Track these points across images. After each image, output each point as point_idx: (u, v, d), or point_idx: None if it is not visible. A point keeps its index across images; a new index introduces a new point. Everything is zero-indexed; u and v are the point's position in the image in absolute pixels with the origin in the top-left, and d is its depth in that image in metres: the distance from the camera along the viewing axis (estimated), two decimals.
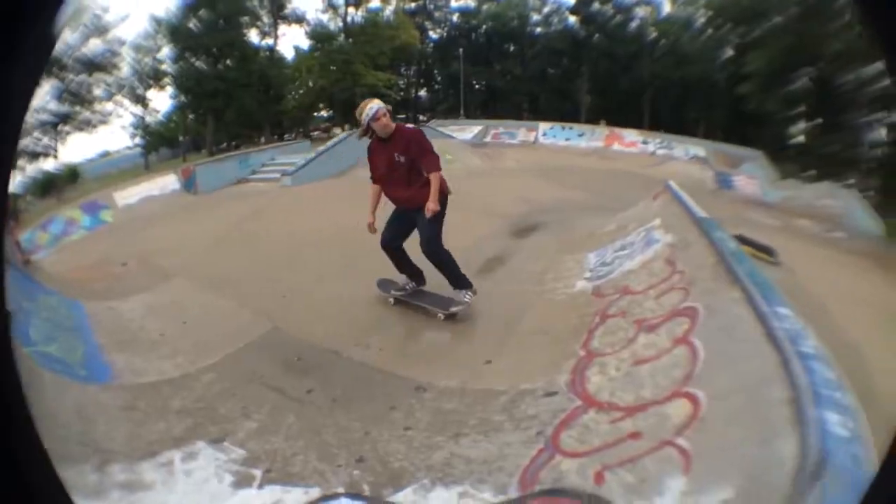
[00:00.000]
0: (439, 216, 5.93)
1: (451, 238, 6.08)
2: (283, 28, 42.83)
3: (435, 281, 6.47)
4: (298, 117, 43.75)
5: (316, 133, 39.73)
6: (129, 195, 19.04)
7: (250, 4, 39.82)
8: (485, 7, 47.22)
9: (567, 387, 4.10)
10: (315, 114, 45.44)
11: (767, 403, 2.69)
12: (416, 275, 6.61)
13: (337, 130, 33.33)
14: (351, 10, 41.70)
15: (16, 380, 1.42)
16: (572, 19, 46.01)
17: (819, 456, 2.11)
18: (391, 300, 6.56)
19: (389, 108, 6.15)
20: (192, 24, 37.12)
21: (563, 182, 13.89)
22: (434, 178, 5.84)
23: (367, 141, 6.28)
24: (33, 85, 1.39)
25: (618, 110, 38.65)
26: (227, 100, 37.35)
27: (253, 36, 41.08)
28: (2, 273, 1.55)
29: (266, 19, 41.31)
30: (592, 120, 34.32)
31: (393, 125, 6.06)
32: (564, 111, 39.00)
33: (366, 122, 5.98)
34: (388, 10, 42.84)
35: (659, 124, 34.64)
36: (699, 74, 41.67)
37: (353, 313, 6.42)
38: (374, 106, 5.96)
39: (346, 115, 39.91)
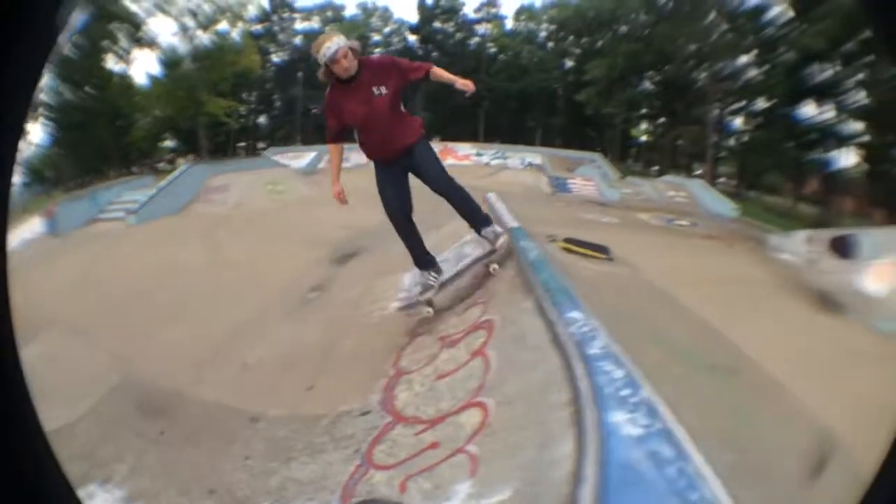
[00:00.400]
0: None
1: (274, 270, 6.17)
2: (137, 52, 40.93)
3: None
4: (146, 148, 41.93)
5: (161, 165, 38.15)
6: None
7: (110, 27, 37.88)
8: (327, 28, 46.41)
9: (379, 405, 4.33)
10: (160, 144, 43.72)
11: (548, 408, 2.81)
12: (431, 259, 5.78)
13: (181, 161, 32.17)
14: (200, 32, 40.56)
15: (21, 380, 1.40)
16: (412, 38, 46.98)
17: (598, 455, 2.09)
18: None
19: (355, 44, 5.11)
20: (69, 50, 34.87)
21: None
22: (438, 70, 5.41)
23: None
24: (36, 77, 1.35)
25: (453, 124, 39.47)
26: (83, 132, 35.64)
27: (109, 61, 39.21)
28: (4, 276, 1.52)
29: (123, 42, 39.46)
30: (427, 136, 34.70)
31: (355, 62, 5.05)
32: None
33: (323, 64, 5.01)
34: (236, 33, 41.99)
35: (495, 135, 35.65)
36: (538, 85, 43.36)
37: (194, 351, 6.61)
38: (331, 46, 4.89)
39: (190, 144, 38.65)
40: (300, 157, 26.32)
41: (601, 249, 9.12)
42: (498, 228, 5.74)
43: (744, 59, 37.82)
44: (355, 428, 4.16)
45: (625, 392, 2.48)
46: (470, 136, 34.37)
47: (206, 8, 39.93)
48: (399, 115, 5.38)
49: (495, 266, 5.61)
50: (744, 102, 39.28)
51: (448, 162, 23.84)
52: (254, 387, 5.70)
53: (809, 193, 41.25)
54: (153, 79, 40.17)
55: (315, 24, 48.50)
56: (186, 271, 8.92)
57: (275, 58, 49.37)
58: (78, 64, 34.97)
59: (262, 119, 51.62)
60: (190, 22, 39.85)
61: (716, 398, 5.09)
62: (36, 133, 37.85)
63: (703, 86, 37.24)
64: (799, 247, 14.22)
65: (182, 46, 40.05)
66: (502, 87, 43.14)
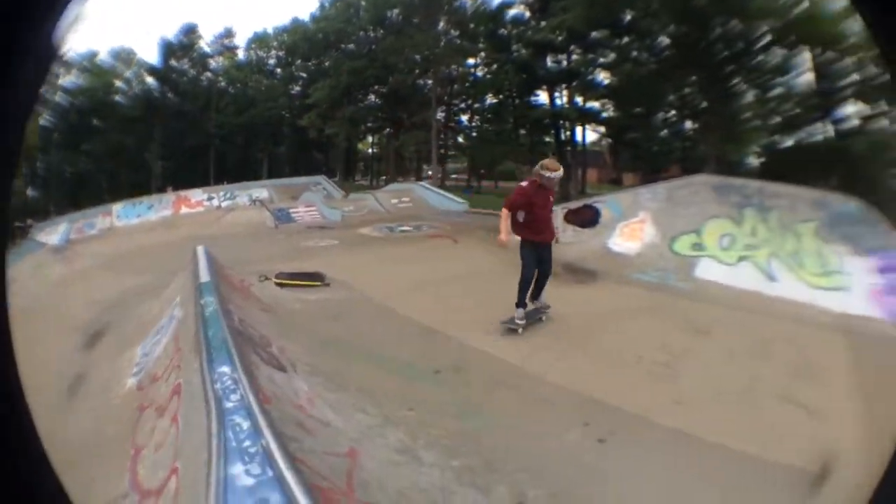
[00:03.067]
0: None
1: (23, 367, 5.50)
2: None
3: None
4: None
5: None
6: None
7: None
8: (86, 81, 42.91)
9: (130, 486, 4.09)
10: None
11: (202, 469, 2.77)
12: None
13: None
14: None
15: (16, 379, 1.49)
16: (150, 80, 44.13)
17: None
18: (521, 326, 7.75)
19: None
20: None
21: (131, 268, 13.34)
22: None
23: None
24: (35, 91, 1.41)
25: (187, 170, 37.98)
26: None
27: None
28: (3, 276, 1.59)
29: None
30: (162, 187, 33.05)
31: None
32: (139, 183, 37.24)
33: (543, 177, 7.84)
34: None
35: (225, 174, 34.75)
36: (264, 115, 42.73)
37: None
38: (560, 172, 8.02)
39: None
40: (54, 232, 23.64)
41: (315, 277, 9.31)
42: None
43: (471, 60, 40.33)
44: None
45: (246, 443, 2.65)
46: (202, 180, 32.93)
47: None
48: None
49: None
50: (470, 102, 41.82)
51: (183, 212, 23.11)
52: None
53: None
54: None
55: (78, 77, 43.79)
56: None
57: (42, 120, 44.01)
58: None
59: (30, 191, 45.80)
60: None
61: (440, 403, 5.40)
62: None
63: (429, 91, 38.99)
64: None
65: None
66: (230, 123, 41.88)
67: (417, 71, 38.59)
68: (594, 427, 5.10)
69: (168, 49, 43.44)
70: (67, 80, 43.15)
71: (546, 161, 7.93)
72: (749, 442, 4.99)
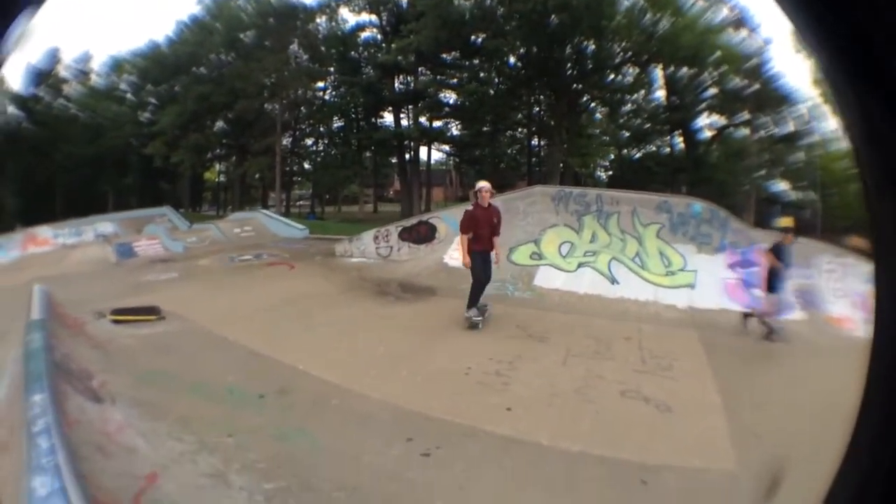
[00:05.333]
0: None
1: None
2: None
3: None
4: None
5: None
6: None
7: None
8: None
9: None
10: None
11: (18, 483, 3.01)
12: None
13: None
14: None
15: None
16: (11, 108, 39.81)
17: None
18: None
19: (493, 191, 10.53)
20: None
21: None
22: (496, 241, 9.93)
23: None
24: None
25: (36, 206, 35.00)
26: None
27: None
28: None
29: None
30: (12, 226, 30.27)
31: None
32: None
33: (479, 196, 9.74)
34: None
35: (74, 208, 32.49)
36: (111, 144, 40.40)
37: None
38: (485, 185, 9.80)
39: None
40: None
41: (151, 311, 9.18)
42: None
43: (320, 84, 40.00)
44: None
45: (44, 460, 3.02)
46: (49, 216, 30.32)
47: None
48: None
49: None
50: (316, 125, 41.52)
51: (31, 251, 21.49)
52: None
53: (392, 195, 45.32)
54: None
55: None
56: None
57: None
58: None
59: None
60: None
61: (261, 427, 5.27)
62: None
63: (275, 116, 38.34)
64: (368, 247, 15.38)
65: None
66: (78, 153, 39.13)
67: (266, 94, 37.80)
68: (418, 441, 5.07)
69: (36, 75, 39.81)
70: None
71: (477, 186, 9.85)
72: (588, 440, 5.14)
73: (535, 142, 38.18)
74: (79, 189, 39.56)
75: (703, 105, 30.80)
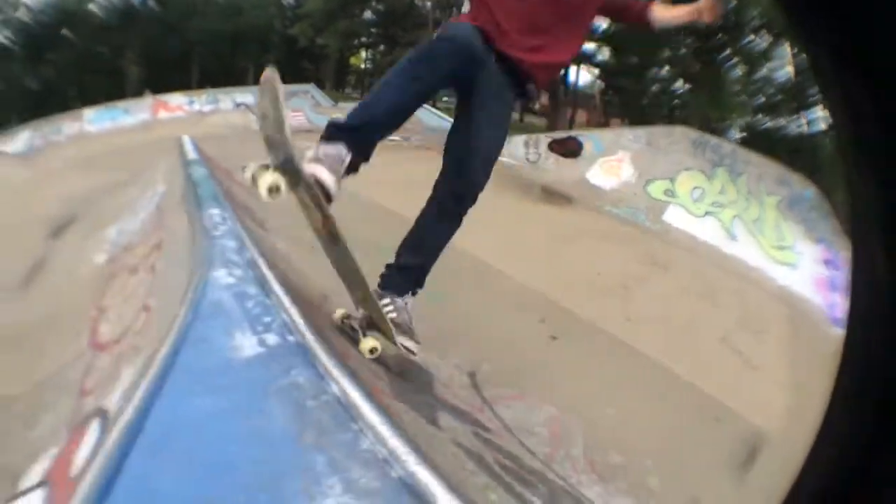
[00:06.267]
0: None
1: None
2: None
3: None
4: None
5: None
6: None
7: None
8: None
9: (88, 345, 4.18)
10: None
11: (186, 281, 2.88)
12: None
13: None
14: None
15: None
16: None
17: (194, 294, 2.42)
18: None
19: None
20: None
21: (104, 167, 13.14)
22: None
23: None
24: None
25: (166, 76, 36.24)
26: None
27: None
28: None
29: None
30: (139, 92, 31.97)
31: None
32: (114, 91, 34.38)
33: None
34: None
35: (209, 82, 33.74)
36: (252, 23, 41.36)
37: None
38: None
39: None
40: (15, 141, 22.82)
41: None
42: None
43: None
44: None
45: (234, 257, 2.84)
46: (183, 85, 31.93)
47: None
48: None
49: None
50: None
51: (161, 116, 22.58)
52: None
53: (538, 108, 44.76)
54: None
55: None
56: None
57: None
58: None
59: None
60: None
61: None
62: None
63: (426, 12, 38.25)
64: (517, 150, 15.54)
65: None
66: (215, 30, 40.55)
67: None
68: (549, 325, 5.48)
69: None
70: None
71: None
72: (686, 369, 5.45)
73: (677, 85, 36.99)
74: (216, 65, 41.14)
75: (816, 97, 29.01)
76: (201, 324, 2.12)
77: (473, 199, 3.20)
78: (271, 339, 2.06)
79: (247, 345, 1.98)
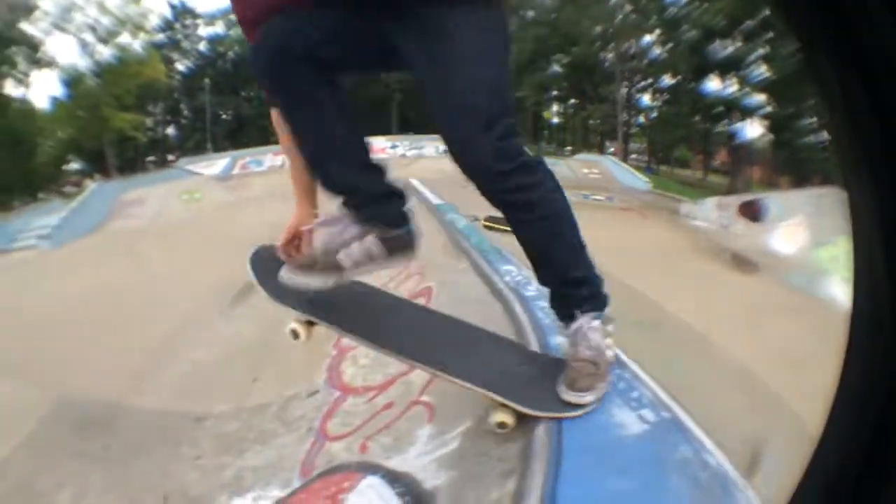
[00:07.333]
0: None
1: (200, 275, 6.06)
2: (36, 74, 39.35)
3: None
4: (50, 173, 40.13)
5: (67, 188, 36.52)
6: None
7: (7, 52, 36.32)
8: (232, 31, 45.65)
9: (326, 383, 4.29)
10: (64, 167, 41.95)
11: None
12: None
13: (88, 181, 30.87)
14: (100, 47, 39.05)
15: None
16: None
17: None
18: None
19: None
20: None
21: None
22: None
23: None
24: None
25: (367, 119, 38.64)
26: None
27: (8, 87, 37.58)
28: None
29: (22, 66, 37.96)
30: None
31: None
32: None
33: None
34: (138, 44, 40.61)
35: (408, 128, 35.27)
36: None
37: (130, 363, 6.32)
38: None
39: (96, 163, 37.23)
40: (213, 165, 25.41)
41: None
42: None
43: (648, 38, 39.14)
44: (305, 409, 4.05)
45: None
46: (383, 131, 33.86)
47: (106, 21, 38.35)
48: None
49: None
50: (650, 80, 40.55)
51: None
52: (196, 388, 5.49)
53: (719, 165, 43.08)
54: (55, 100, 38.94)
55: (219, 28, 47.56)
56: (112, 287, 8.58)
57: (180, 66, 48.20)
58: None
59: (170, 130, 50.22)
60: (90, 37, 38.34)
61: (646, 351, 5.41)
62: None
63: (611, 66, 38.24)
64: (710, 213, 15.21)
65: (83, 63, 38.64)
66: (411, 78, 42.72)
67: (598, 44, 37.83)
68: None
69: None
70: (209, 31, 46.75)
71: None
72: None
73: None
74: (414, 110, 43.08)
75: None
76: None
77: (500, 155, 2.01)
78: (648, 414, 1.98)
79: (629, 421, 1.90)
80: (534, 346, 2.58)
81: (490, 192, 2.10)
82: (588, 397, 2.00)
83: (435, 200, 6.93)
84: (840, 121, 0.75)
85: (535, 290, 3.23)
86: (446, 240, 5.25)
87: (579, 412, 1.98)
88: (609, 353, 2.15)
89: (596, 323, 2.16)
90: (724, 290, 9.37)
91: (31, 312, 9.47)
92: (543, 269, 2.28)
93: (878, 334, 0.77)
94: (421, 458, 2.65)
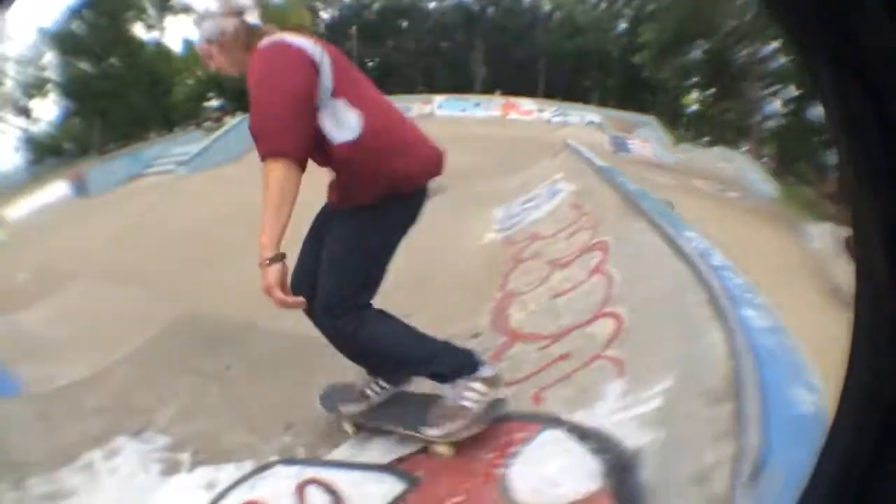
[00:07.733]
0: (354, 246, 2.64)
1: None
2: (170, 19, 41.04)
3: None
4: (189, 109, 41.95)
5: (207, 123, 38.09)
6: (18, 209, 18.36)
7: None
8: None
9: (491, 326, 4.08)
10: (205, 104, 43.86)
11: (686, 306, 2.82)
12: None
13: (228, 118, 32.08)
14: None
15: None
16: None
17: (743, 341, 2.22)
18: (349, 428, 3.16)
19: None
20: (76, 26, 35.35)
21: (461, 150, 14.04)
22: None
23: None
24: None
25: (513, 81, 38.69)
26: (114, 99, 35.75)
27: (139, 30, 39.34)
28: None
29: (151, 11, 39.58)
30: (487, 91, 34.03)
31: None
32: (459, 84, 38.48)
33: None
34: None
35: (554, 93, 34.99)
36: (593, 44, 42.58)
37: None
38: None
39: (237, 102, 38.64)
40: None
41: (666, 204, 9.32)
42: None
43: (774, 44, 37.07)
44: None
45: (748, 295, 2.66)
46: (529, 92, 33.62)
47: None
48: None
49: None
50: (778, 87, 38.51)
51: (511, 116, 23.58)
52: None
53: (829, 193, 40.59)
54: (188, 43, 40.09)
55: None
56: (249, 209, 8.75)
57: (324, 14, 48.95)
58: (94, 38, 35.31)
59: None
60: None
61: None
62: (43, 110, 38.35)
63: (743, 63, 36.45)
64: (826, 239, 14.29)
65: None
66: (558, 45, 42.25)
67: (731, 38, 36.05)
68: None
69: None
70: None
71: None
72: None
73: None
74: (559, 78, 42.96)
75: None
76: (766, 371, 2.00)
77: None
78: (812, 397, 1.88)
79: (807, 400, 1.84)
80: (729, 315, 2.50)
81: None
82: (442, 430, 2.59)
83: (599, 162, 6.58)
84: (840, 123, 0.75)
85: (720, 261, 3.18)
86: (618, 199, 4.95)
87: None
88: (470, 405, 2.58)
89: (462, 383, 2.63)
90: (819, 322, 8.53)
91: (167, 231, 9.81)
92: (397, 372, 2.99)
93: (881, 342, 0.78)
94: (614, 414, 2.52)
